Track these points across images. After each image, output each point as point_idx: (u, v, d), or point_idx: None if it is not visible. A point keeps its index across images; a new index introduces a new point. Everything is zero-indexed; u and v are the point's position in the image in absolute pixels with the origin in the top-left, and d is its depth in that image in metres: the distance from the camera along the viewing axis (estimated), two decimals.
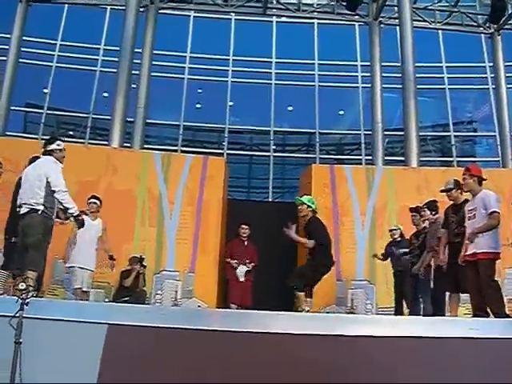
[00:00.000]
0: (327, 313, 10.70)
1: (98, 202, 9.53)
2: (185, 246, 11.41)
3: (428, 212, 8.98)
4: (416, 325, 5.22)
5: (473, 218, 7.12)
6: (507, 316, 6.62)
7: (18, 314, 4.19)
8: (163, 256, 11.31)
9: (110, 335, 4.31)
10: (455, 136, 21.50)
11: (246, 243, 11.27)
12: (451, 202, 8.13)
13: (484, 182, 7.30)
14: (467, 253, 7.07)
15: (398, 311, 9.84)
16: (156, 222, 11.49)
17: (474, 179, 7.20)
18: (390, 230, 10.55)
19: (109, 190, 11.15)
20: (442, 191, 8.32)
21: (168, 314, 5.00)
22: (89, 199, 9.51)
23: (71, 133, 21.17)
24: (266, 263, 11.31)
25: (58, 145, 7.43)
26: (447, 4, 16.95)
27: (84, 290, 9.17)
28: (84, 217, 8.12)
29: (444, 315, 8.02)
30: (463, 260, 7.16)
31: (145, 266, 10.62)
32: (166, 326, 4.37)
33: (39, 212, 6.98)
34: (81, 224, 7.52)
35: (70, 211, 7.17)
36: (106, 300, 10.44)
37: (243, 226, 11.27)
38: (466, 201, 7.78)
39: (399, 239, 10.39)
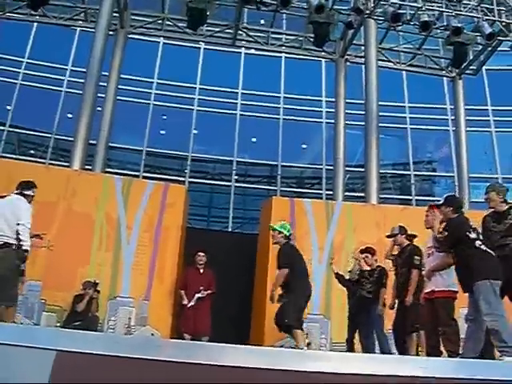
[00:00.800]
0: (281, 346, 10.64)
1: None
2: (141, 273, 11.28)
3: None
4: (368, 362, 5.22)
5: (431, 255, 7.23)
6: (459, 355, 6.68)
7: None
8: (118, 282, 11.16)
9: (58, 362, 4.21)
10: (415, 175, 21.88)
11: (201, 271, 11.13)
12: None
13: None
14: (426, 290, 7.18)
15: (350, 348, 9.90)
16: (113, 247, 11.34)
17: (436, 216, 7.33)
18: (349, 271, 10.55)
19: (67, 212, 11.02)
20: (387, 236, 8.68)
21: (118, 342, 4.92)
22: None
23: (32, 152, 20.93)
24: (223, 294, 11.24)
25: (34, 192, 8.15)
26: (412, 46, 17.33)
27: None
28: None
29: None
30: (422, 298, 7.32)
31: (98, 291, 10.48)
32: (115, 355, 4.30)
33: (13, 246, 7.57)
34: (23, 259, 7.77)
35: (21, 243, 7.59)
36: (58, 324, 10.24)
37: (199, 254, 11.12)
38: (409, 245, 8.47)
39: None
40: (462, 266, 6.49)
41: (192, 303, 10.72)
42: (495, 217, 6.77)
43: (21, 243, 7.59)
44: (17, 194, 8.05)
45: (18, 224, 7.61)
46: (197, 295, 10.76)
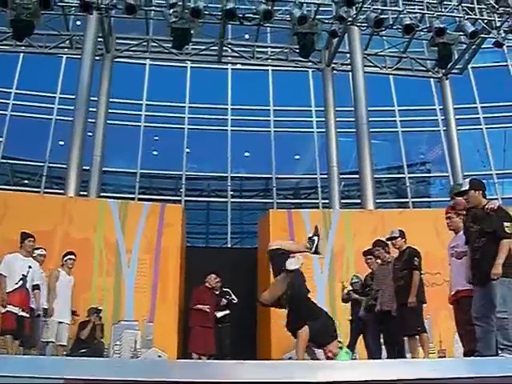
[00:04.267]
0: (289, 359, 10.61)
1: (74, 258, 9.81)
2: (143, 295, 11.28)
3: (382, 251, 8.98)
4: (379, 368, 5.21)
5: (455, 255, 7.10)
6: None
7: None
8: (121, 305, 11.15)
9: None
10: (409, 177, 21.90)
11: (210, 291, 11.26)
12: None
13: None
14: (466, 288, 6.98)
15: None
16: (114, 271, 11.35)
17: (460, 217, 7.27)
18: (351, 283, 10.49)
19: (65, 240, 11.00)
20: (387, 239, 8.64)
21: (125, 366, 4.90)
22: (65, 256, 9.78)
23: (26, 182, 20.92)
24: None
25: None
26: (397, 50, 17.40)
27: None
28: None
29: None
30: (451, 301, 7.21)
31: (100, 318, 10.44)
32: (123, 380, 4.29)
33: None
34: None
35: None
36: (64, 353, 10.19)
37: (212, 276, 11.26)
38: (408, 248, 8.41)
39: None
40: (486, 257, 6.21)
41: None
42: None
43: None
44: None
45: None
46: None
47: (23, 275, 8.81)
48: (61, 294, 9.44)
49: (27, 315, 8.77)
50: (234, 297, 11.34)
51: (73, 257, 9.77)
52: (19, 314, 8.61)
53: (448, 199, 19.26)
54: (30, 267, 8.91)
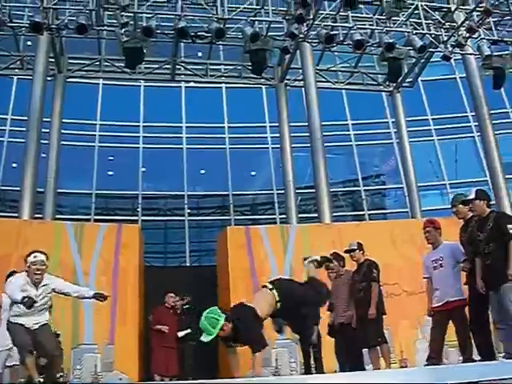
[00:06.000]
0: (252, 377, 10.56)
1: None
2: (102, 317, 11.12)
3: (337, 264, 9.00)
4: (344, 379, 5.26)
5: (439, 268, 7.27)
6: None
7: None
8: (80, 329, 10.99)
9: None
10: (365, 190, 22.17)
11: (171, 311, 11.22)
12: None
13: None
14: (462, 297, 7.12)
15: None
16: None
17: (438, 231, 7.44)
18: None
19: (21, 264, 10.73)
20: (345, 252, 8.77)
21: None
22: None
23: None
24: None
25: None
26: (348, 65, 17.66)
27: None
28: None
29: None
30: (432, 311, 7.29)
31: (59, 342, 10.25)
32: None
33: None
34: None
35: None
36: (22, 380, 9.95)
37: (169, 294, 11.24)
38: (367, 260, 8.59)
39: None
40: (497, 262, 6.45)
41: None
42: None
43: None
44: None
45: None
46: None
47: None
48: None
49: None
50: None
51: None
52: None
53: (403, 210, 19.72)
54: None
